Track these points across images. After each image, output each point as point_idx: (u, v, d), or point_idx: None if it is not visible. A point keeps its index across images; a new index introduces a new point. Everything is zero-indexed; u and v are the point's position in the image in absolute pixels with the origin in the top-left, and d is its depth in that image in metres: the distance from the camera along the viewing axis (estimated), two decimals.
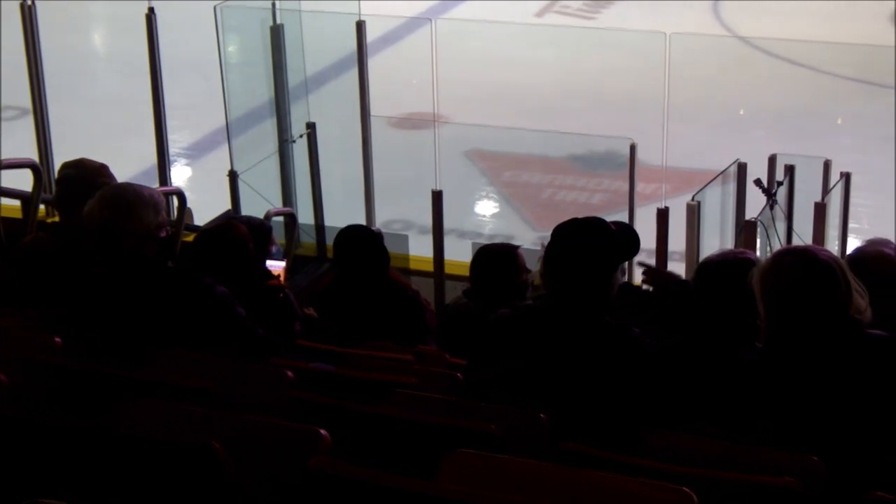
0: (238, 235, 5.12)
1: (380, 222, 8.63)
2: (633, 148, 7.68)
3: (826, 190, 7.56)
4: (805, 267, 3.59)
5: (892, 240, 5.26)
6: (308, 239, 8.56)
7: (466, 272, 5.82)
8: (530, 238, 8.61)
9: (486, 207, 10.16)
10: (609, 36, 13.38)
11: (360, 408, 3.23)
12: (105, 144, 9.25)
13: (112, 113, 11.74)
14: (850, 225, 7.80)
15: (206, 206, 8.43)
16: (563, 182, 10.30)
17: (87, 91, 12.62)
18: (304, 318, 5.47)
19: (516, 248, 5.59)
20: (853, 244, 7.56)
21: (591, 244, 4.02)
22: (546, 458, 2.80)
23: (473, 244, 7.49)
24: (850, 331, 3.56)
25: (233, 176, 8.43)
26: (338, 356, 4.64)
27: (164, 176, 8.66)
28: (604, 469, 2.68)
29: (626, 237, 4.25)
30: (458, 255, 7.87)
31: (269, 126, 8.67)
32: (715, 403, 3.66)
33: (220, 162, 9.04)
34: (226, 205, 8.45)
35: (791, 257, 3.68)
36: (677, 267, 7.17)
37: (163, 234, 4.30)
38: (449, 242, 8.03)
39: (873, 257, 4.45)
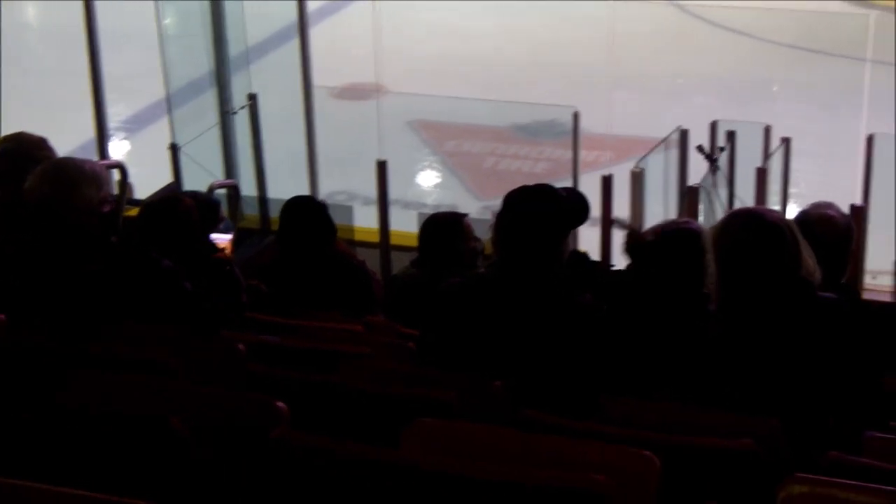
0: (183, 209, 5.06)
1: (324, 193, 8.58)
2: (576, 116, 7.70)
3: (767, 155, 7.62)
4: (755, 228, 3.61)
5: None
6: (251, 211, 8.51)
7: (412, 242, 5.79)
8: (475, 207, 8.61)
9: (430, 177, 10.14)
10: (552, 5, 13.37)
11: (316, 378, 3.22)
12: (43, 117, 9.13)
13: (49, 85, 11.59)
14: (791, 190, 7.88)
15: (148, 180, 8.34)
16: (506, 151, 10.29)
17: (24, 63, 12.45)
18: (251, 290, 5.43)
19: (463, 215, 5.59)
20: (793, 209, 7.64)
21: (541, 210, 4.02)
22: (504, 426, 2.80)
23: (419, 214, 7.47)
24: (801, 292, 3.59)
25: (174, 149, 8.35)
26: (288, 328, 4.62)
27: (103, 149, 8.56)
28: (564, 436, 2.69)
29: (576, 204, 4.26)
30: (404, 225, 7.85)
31: (210, 98, 8.58)
32: (671, 368, 3.68)
33: (160, 134, 8.95)
34: (167, 178, 8.36)
35: (741, 218, 3.70)
36: (618, 234, 7.20)
37: (105, 209, 4.23)
38: (394, 213, 8.01)
39: (818, 220, 4.48)
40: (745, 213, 3.83)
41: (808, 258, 3.62)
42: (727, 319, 3.64)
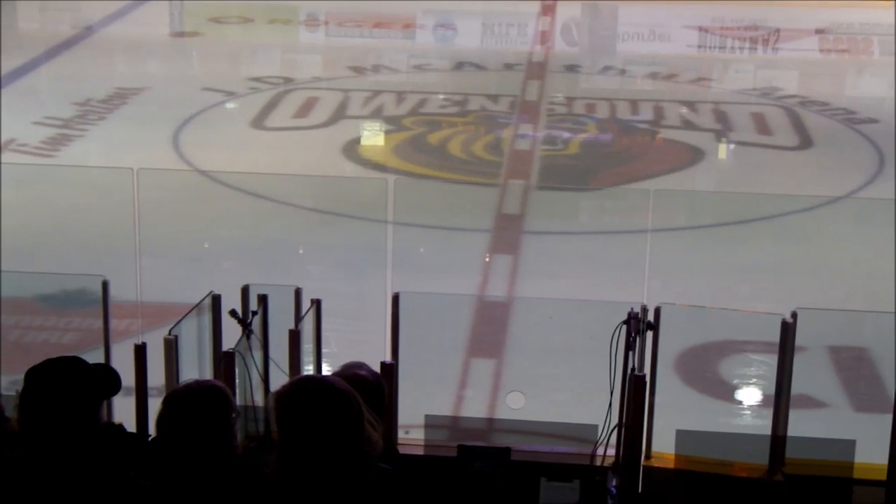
0: None
1: None
2: (105, 285, 7.54)
3: (298, 317, 7.73)
4: (324, 395, 3.67)
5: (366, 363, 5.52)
6: None
7: None
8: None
9: None
10: (74, 173, 13.18)
11: None
12: None
13: None
14: (324, 350, 8.02)
15: None
16: (31, 323, 9.94)
17: None
18: None
19: None
20: (326, 369, 7.79)
21: (66, 384, 3.95)
22: None
23: None
24: (360, 461, 3.65)
25: None
26: None
27: None
28: None
29: (105, 375, 4.21)
30: None
31: None
32: None
33: None
34: None
35: (308, 384, 3.75)
36: (157, 403, 7.07)
37: None
38: None
39: (349, 380, 4.63)
40: (314, 379, 3.90)
41: (372, 430, 3.71)
42: (285, 484, 3.64)
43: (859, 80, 22.50)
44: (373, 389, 5.09)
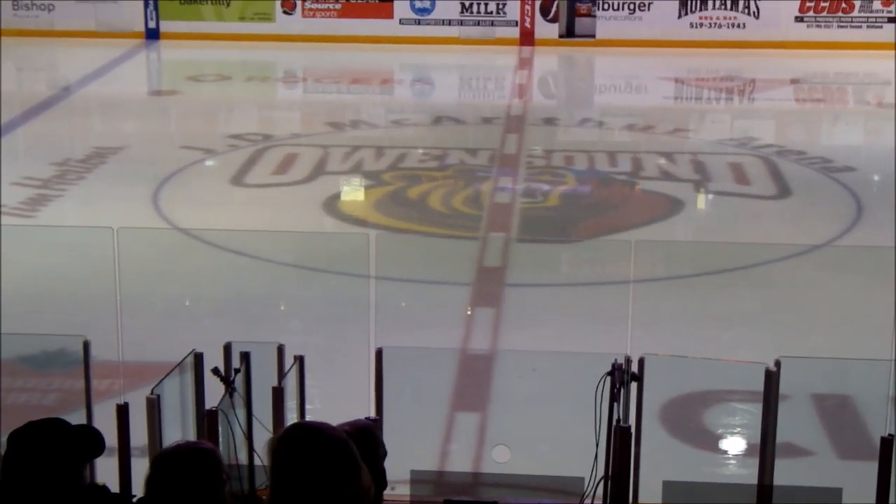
0: None
1: None
2: (86, 345, 7.51)
3: (282, 374, 7.71)
4: (318, 443, 3.64)
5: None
6: None
7: None
8: None
9: None
10: (53, 233, 13.13)
11: None
12: None
13: None
14: (307, 406, 7.99)
15: None
16: (12, 384, 9.87)
17: None
18: None
19: None
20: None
21: (49, 447, 3.92)
22: None
23: None
24: None
25: None
26: None
27: None
28: None
29: (88, 436, 4.18)
30: None
31: None
32: None
33: None
34: None
35: (300, 433, 3.72)
36: (140, 463, 7.02)
37: None
38: None
39: None
40: (306, 426, 3.86)
41: (366, 478, 3.69)
42: None
43: (835, 128, 22.66)
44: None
